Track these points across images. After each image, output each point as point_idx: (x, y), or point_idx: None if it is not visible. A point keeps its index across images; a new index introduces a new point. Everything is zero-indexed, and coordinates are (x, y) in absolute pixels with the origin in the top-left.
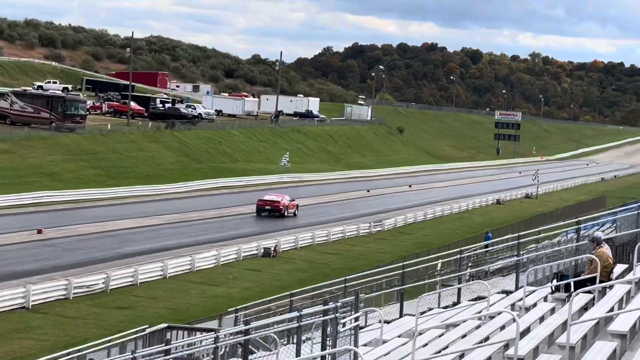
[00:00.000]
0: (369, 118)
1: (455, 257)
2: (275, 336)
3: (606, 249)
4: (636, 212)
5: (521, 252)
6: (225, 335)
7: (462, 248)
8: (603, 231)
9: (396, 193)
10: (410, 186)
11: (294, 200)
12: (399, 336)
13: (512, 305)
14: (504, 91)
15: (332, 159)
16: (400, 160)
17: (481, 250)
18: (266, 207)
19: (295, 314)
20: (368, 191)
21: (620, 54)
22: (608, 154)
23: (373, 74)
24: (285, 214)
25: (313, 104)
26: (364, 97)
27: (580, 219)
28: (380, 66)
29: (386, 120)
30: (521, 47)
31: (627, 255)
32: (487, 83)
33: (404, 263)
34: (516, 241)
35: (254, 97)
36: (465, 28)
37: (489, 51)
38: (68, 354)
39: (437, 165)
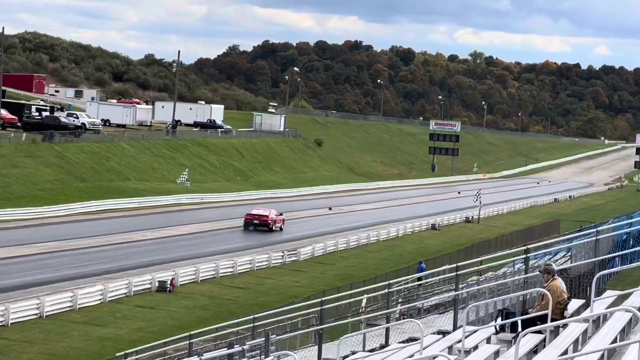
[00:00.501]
0: (281, 129)
1: (382, 291)
2: None
3: (559, 282)
4: (594, 238)
5: (460, 286)
6: None
7: (391, 281)
8: (556, 261)
9: (314, 217)
10: (330, 208)
11: (281, 214)
12: None
13: (450, 348)
14: (440, 97)
15: (239, 177)
16: (318, 179)
17: (413, 284)
18: (254, 222)
19: (195, 359)
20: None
21: (576, 53)
22: (562, 170)
23: (287, 77)
24: (273, 228)
25: (216, 113)
26: (275, 104)
27: (529, 246)
28: (295, 68)
29: (302, 132)
30: (460, 45)
31: (584, 289)
32: (420, 88)
33: (323, 299)
34: (454, 273)
35: (147, 104)
36: (395, 23)
37: (423, 50)
38: None
39: (362, 184)
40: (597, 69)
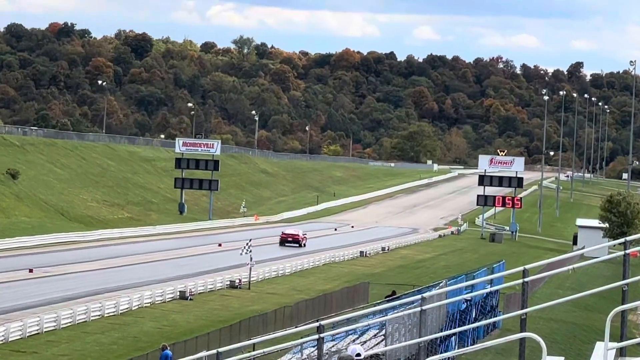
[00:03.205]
0: None
1: None
2: None
3: None
4: (418, 309)
5: None
6: None
7: None
8: (363, 343)
9: (8, 283)
10: (31, 270)
11: (305, 233)
12: None
13: None
14: (190, 105)
15: None
16: (12, 227)
17: None
18: (289, 239)
19: None
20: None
21: (389, 38)
22: (371, 209)
23: None
24: (304, 245)
25: None
26: None
27: (322, 322)
28: None
29: None
30: (218, 28)
31: None
32: (161, 91)
33: None
34: None
35: None
36: None
37: (164, 36)
38: None
39: (78, 233)
40: (420, 60)
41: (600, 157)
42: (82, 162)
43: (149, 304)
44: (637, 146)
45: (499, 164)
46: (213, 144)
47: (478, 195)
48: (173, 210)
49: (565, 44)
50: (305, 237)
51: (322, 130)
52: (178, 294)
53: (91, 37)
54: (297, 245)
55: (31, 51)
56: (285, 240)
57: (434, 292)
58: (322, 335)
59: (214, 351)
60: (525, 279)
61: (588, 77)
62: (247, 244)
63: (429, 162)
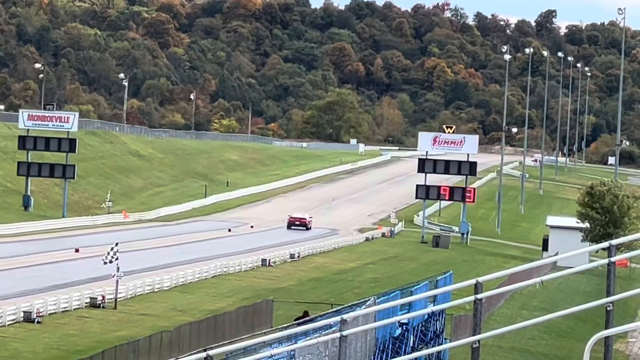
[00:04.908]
0: None
1: None
2: None
3: None
4: (337, 334)
5: None
6: None
7: None
8: None
9: None
10: None
11: (311, 217)
12: None
13: None
14: (38, 65)
15: None
16: None
17: None
18: (296, 223)
19: None
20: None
21: None
22: (277, 203)
23: None
24: (310, 227)
25: None
26: None
27: (211, 352)
28: None
29: None
30: None
31: None
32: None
33: None
34: None
35: None
36: None
37: None
38: None
39: None
40: (340, 7)
41: (578, 135)
42: None
43: None
44: (627, 121)
45: (446, 144)
46: (68, 118)
47: (417, 186)
48: (15, 205)
49: None
50: (311, 220)
51: (212, 100)
52: (22, 315)
53: None
54: (305, 228)
55: None
56: (293, 224)
57: (358, 312)
58: None
59: None
60: (479, 296)
61: (563, 30)
62: (112, 249)
63: (353, 141)
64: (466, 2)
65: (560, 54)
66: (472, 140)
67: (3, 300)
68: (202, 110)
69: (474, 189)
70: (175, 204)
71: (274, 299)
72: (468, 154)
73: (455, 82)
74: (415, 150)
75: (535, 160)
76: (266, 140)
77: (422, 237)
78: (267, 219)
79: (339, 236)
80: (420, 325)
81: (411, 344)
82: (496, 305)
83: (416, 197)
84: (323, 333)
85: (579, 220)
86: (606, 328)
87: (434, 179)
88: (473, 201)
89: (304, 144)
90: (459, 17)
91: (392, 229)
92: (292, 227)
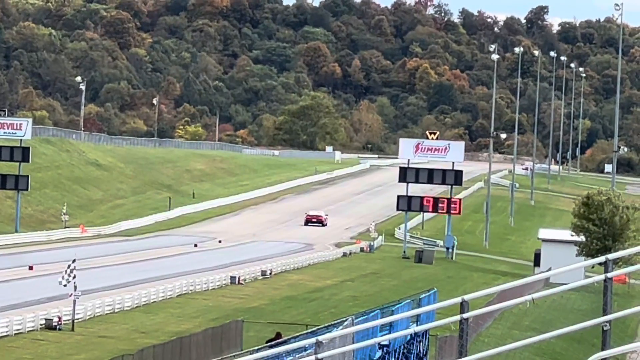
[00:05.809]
0: None
1: None
2: None
3: None
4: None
5: None
6: None
7: None
8: None
9: None
10: None
11: (327, 214)
12: None
13: None
14: None
15: None
16: None
17: None
18: (313, 220)
19: None
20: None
21: None
22: (247, 216)
23: None
24: (327, 224)
25: None
26: None
27: None
28: None
29: None
30: None
31: None
32: None
33: None
34: None
35: None
36: None
37: None
38: None
39: None
40: (315, 4)
41: (572, 141)
42: None
43: None
44: (625, 125)
45: (429, 152)
46: (21, 125)
47: (399, 196)
48: None
49: None
50: (327, 217)
51: (177, 105)
52: None
53: None
54: (321, 225)
55: None
56: (310, 221)
57: (335, 333)
58: None
59: None
60: (465, 315)
61: (555, 28)
62: (69, 267)
63: (329, 149)
64: None
65: (552, 53)
66: (458, 147)
67: None
68: (166, 116)
69: (460, 199)
70: (137, 217)
71: (244, 320)
72: (453, 162)
73: (439, 84)
74: (396, 158)
75: (526, 169)
76: (235, 148)
77: (404, 252)
78: (236, 232)
79: (315, 251)
80: (402, 347)
81: None
82: (484, 325)
83: (397, 209)
84: (297, 356)
85: (573, 233)
86: (603, 349)
87: (416, 189)
88: (459, 213)
89: (276, 152)
90: (443, 14)
91: (372, 244)
92: (309, 224)
